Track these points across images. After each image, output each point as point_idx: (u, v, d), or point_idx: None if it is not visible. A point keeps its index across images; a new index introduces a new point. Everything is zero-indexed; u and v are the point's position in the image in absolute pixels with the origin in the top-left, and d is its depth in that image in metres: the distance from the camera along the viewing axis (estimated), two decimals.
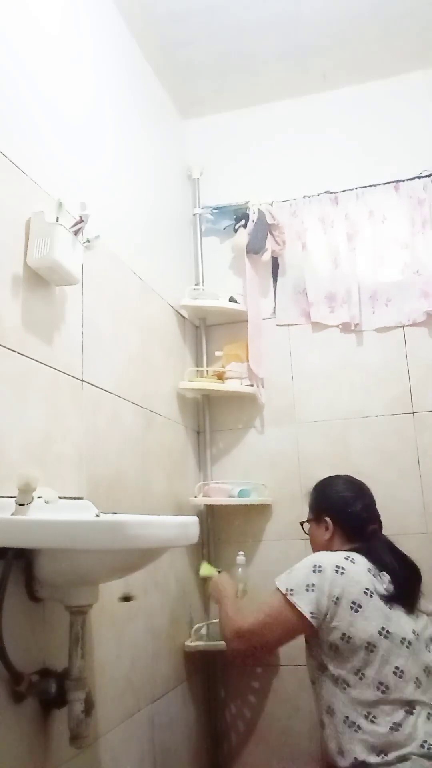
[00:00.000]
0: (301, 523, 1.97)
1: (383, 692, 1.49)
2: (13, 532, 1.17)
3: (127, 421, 1.94)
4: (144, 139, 2.40)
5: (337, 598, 1.56)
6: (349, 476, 1.93)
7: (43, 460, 1.47)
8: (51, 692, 1.30)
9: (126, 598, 1.68)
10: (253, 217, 2.61)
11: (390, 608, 1.58)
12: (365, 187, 2.55)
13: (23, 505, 1.22)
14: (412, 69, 2.62)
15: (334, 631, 1.54)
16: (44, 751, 1.34)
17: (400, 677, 1.50)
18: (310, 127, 2.72)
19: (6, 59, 1.51)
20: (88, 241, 1.66)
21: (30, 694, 1.27)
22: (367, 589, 1.57)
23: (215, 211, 2.73)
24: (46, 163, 1.63)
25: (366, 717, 1.48)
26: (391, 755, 1.42)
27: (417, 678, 1.52)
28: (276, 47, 2.50)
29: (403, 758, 1.42)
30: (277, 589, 1.63)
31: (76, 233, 1.56)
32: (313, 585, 1.58)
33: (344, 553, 1.67)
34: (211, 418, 2.58)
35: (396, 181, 2.52)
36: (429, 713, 1.49)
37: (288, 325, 2.59)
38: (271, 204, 2.63)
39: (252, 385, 2.50)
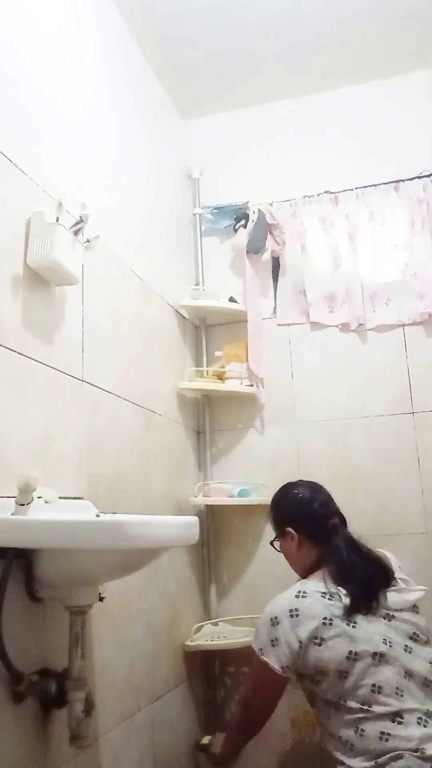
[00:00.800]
0: (271, 543, 1.92)
1: (366, 711, 1.48)
2: (13, 532, 1.17)
3: (127, 421, 1.94)
4: (144, 139, 2.40)
5: (300, 642, 1.55)
6: (300, 480, 1.94)
7: (43, 460, 1.47)
8: (51, 692, 1.30)
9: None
10: (253, 217, 2.61)
11: (353, 626, 1.55)
12: (365, 187, 2.55)
13: (23, 505, 1.22)
14: (411, 69, 2.62)
15: (307, 668, 1.55)
16: (44, 751, 1.34)
17: (379, 693, 1.49)
18: (310, 127, 2.72)
19: (6, 59, 1.51)
20: (88, 241, 1.66)
21: (30, 694, 1.27)
22: (324, 618, 1.56)
23: (215, 211, 2.73)
24: (46, 163, 1.63)
25: (356, 732, 1.48)
26: (384, 758, 1.43)
27: (397, 688, 1.50)
28: (276, 47, 2.50)
29: (396, 757, 1.42)
30: (255, 650, 1.63)
31: (76, 233, 1.56)
32: (276, 639, 1.58)
33: (295, 589, 1.64)
34: (211, 418, 2.58)
35: (396, 181, 2.52)
36: (419, 717, 1.47)
37: (288, 324, 2.59)
38: (271, 204, 2.63)
39: (252, 385, 2.50)
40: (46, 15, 1.73)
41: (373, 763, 1.43)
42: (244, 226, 2.64)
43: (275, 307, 2.63)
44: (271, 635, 1.59)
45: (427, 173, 2.49)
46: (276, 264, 2.64)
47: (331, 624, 1.55)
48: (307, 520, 1.80)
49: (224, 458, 2.56)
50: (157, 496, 2.11)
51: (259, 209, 2.61)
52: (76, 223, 1.56)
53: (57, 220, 1.49)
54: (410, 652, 1.56)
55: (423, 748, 1.42)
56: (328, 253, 2.55)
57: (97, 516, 1.50)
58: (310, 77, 2.66)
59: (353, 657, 1.51)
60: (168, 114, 2.73)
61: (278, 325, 2.60)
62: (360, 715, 1.49)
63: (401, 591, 1.67)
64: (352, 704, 1.50)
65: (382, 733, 1.45)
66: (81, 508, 1.51)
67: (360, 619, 1.57)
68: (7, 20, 1.53)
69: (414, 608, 1.67)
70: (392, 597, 1.64)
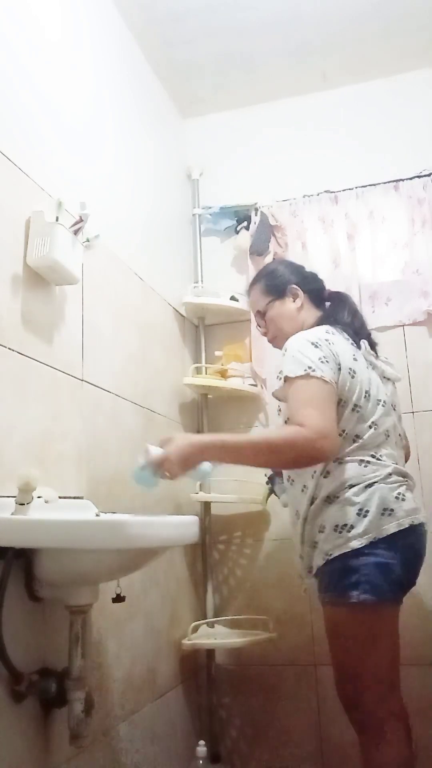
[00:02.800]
0: (258, 324, 1.89)
1: (355, 442, 1.57)
2: (13, 532, 1.17)
3: (127, 421, 1.94)
4: (144, 139, 2.40)
5: (339, 365, 1.57)
6: (280, 259, 2.02)
7: (43, 459, 1.47)
8: (51, 692, 1.31)
9: None
10: (254, 218, 2.61)
11: (369, 368, 1.66)
12: (365, 186, 2.55)
13: (23, 504, 1.22)
14: (411, 68, 2.62)
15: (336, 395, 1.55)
16: (44, 750, 1.34)
17: (375, 430, 1.59)
18: (310, 127, 2.72)
19: (6, 59, 1.51)
20: (87, 240, 1.67)
21: (30, 694, 1.28)
22: (353, 355, 1.63)
23: (216, 211, 2.73)
24: (46, 163, 1.63)
25: (335, 462, 1.56)
26: (360, 485, 1.53)
27: (386, 431, 1.62)
28: (276, 46, 2.50)
29: (370, 484, 1.53)
30: (295, 378, 1.52)
31: (75, 233, 1.56)
32: (325, 357, 1.55)
33: (322, 328, 1.65)
34: (209, 418, 2.57)
35: (396, 181, 2.52)
36: (395, 461, 1.61)
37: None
38: (271, 204, 2.63)
39: (255, 385, 2.50)
40: (46, 15, 1.73)
41: (347, 487, 1.54)
42: (246, 228, 2.64)
43: None
44: (318, 354, 1.54)
45: (427, 172, 2.49)
46: None
47: (356, 360, 1.63)
48: (309, 281, 1.82)
49: None
50: (157, 496, 2.11)
51: (261, 211, 2.61)
52: (76, 223, 1.56)
53: (57, 219, 1.49)
54: (394, 410, 1.71)
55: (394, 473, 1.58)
56: (328, 252, 2.55)
57: (97, 516, 1.50)
58: (310, 76, 2.66)
59: (366, 396, 1.61)
60: (168, 113, 2.73)
61: None
62: (351, 448, 1.57)
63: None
64: (348, 435, 1.57)
65: (361, 460, 1.56)
66: (81, 507, 1.51)
67: (373, 361, 1.69)
68: (7, 20, 1.53)
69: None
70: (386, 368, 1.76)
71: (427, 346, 2.43)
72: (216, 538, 2.48)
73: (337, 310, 1.77)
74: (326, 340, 1.59)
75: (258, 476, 2.43)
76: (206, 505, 2.43)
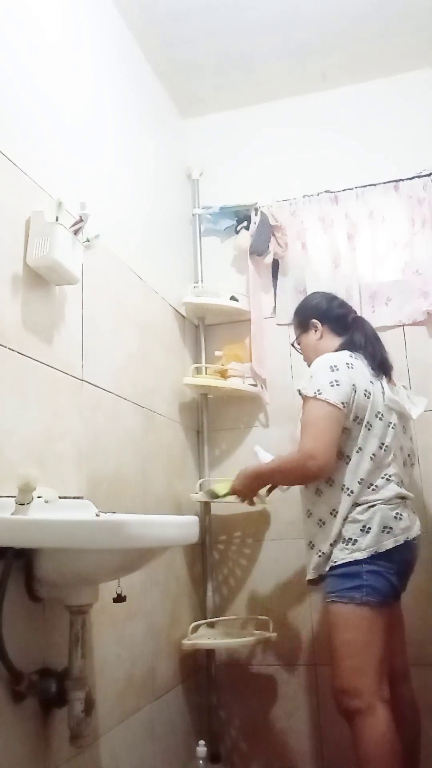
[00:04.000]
0: (292, 344, 2.16)
1: (372, 460, 1.78)
2: (13, 532, 1.17)
3: (127, 421, 1.95)
4: (144, 139, 2.40)
5: (355, 388, 1.80)
6: (315, 292, 2.23)
7: (43, 459, 1.47)
8: (51, 692, 1.30)
9: None
10: (255, 219, 2.61)
11: (383, 393, 1.86)
12: (365, 186, 2.55)
13: (23, 504, 1.22)
14: (411, 68, 2.62)
15: (350, 414, 1.79)
16: (44, 750, 1.34)
17: (384, 450, 1.81)
18: (310, 126, 2.72)
19: (6, 59, 1.51)
20: (87, 240, 1.67)
21: (30, 694, 1.28)
22: (371, 380, 1.85)
23: (217, 211, 2.73)
24: (46, 163, 1.63)
25: (359, 482, 1.77)
26: (365, 505, 1.76)
27: (394, 453, 1.83)
28: (276, 46, 2.50)
29: (371, 506, 1.75)
30: (306, 396, 1.81)
31: (75, 233, 1.56)
32: (337, 381, 1.78)
33: (346, 353, 1.90)
34: (209, 417, 2.57)
35: (396, 181, 2.52)
36: (400, 481, 1.83)
37: (288, 324, 2.58)
38: (271, 204, 2.63)
39: (256, 385, 2.50)
40: (46, 15, 1.73)
41: (353, 508, 1.75)
42: (247, 228, 2.64)
43: (275, 307, 2.63)
44: (330, 378, 1.79)
45: (427, 172, 2.49)
46: (276, 264, 2.64)
47: (374, 383, 1.85)
48: (330, 314, 2.05)
49: (224, 458, 2.56)
50: (157, 496, 2.11)
51: (261, 211, 2.61)
52: (76, 223, 1.56)
53: (57, 219, 1.49)
54: (404, 434, 1.92)
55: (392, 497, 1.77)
56: (328, 252, 2.55)
57: (97, 515, 1.50)
58: (309, 76, 2.66)
59: (379, 417, 1.82)
60: (168, 113, 2.73)
61: (278, 324, 2.59)
62: (369, 466, 1.78)
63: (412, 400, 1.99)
64: (366, 453, 1.78)
65: (371, 484, 1.78)
66: (81, 507, 1.51)
67: (385, 387, 1.88)
68: (7, 20, 1.53)
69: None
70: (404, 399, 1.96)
71: (427, 346, 2.43)
72: (216, 538, 2.48)
73: (354, 337, 1.97)
74: (347, 363, 1.84)
75: None
76: (206, 505, 2.43)
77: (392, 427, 1.84)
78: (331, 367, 1.81)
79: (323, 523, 1.81)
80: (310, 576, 1.85)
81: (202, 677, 2.33)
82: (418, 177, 2.49)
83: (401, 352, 2.43)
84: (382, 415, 1.83)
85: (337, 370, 1.80)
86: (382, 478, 1.79)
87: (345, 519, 1.77)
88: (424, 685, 2.03)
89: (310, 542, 1.85)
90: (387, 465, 1.81)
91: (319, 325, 2.03)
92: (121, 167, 2.15)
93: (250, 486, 1.95)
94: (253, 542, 2.47)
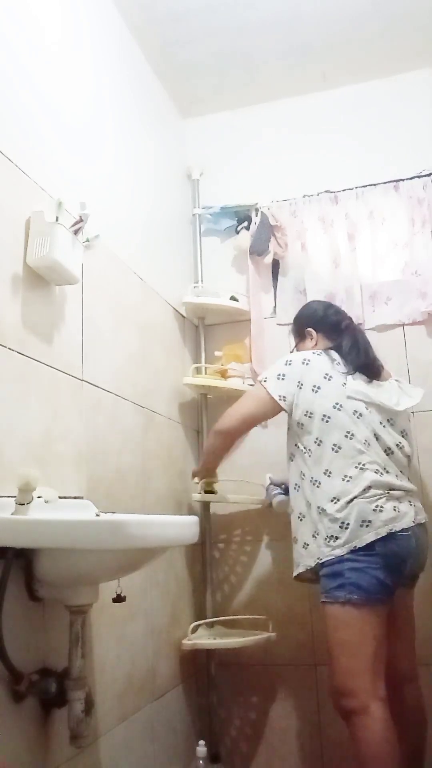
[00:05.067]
0: (292, 352, 2.19)
1: (336, 452, 1.81)
2: (13, 532, 1.17)
3: (127, 421, 1.95)
4: (144, 139, 2.40)
5: (301, 384, 1.90)
6: (314, 300, 2.33)
7: (43, 459, 1.47)
8: (51, 692, 1.31)
9: None
10: (255, 219, 2.61)
11: (344, 385, 1.88)
12: (365, 186, 2.55)
13: (23, 504, 1.22)
14: (411, 68, 2.62)
15: (298, 409, 1.89)
16: (44, 750, 1.34)
17: (351, 438, 1.82)
18: (310, 127, 2.72)
19: (6, 59, 1.51)
20: (87, 240, 1.67)
21: (30, 694, 1.28)
22: (326, 374, 1.90)
23: (217, 211, 2.73)
24: (46, 163, 1.63)
25: (325, 473, 1.81)
26: (342, 501, 1.76)
27: (366, 440, 1.83)
28: (276, 47, 2.50)
29: (351, 498, 1.75)
30: (258, 380, 2.00)
31: (75, 233, 1.56)
32: (284, 375, 1.93)
33: (310, 351, 2.01)
34: (209, 418, 2.57)
35: (396, 181, 2.52)
36: (377, 469, 1.80)
37: (288, 324, 2.58)
38: (271, 204, 2.63)
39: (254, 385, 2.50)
40: (46, 15, 1.73)
41: (333, 503, 1.76)
42: (247, 228, 2.64)
43: (275, 307, 2.63)
44: (279, 371, 1.94)
45: (427, 172, 2.49)
46: (276, 264, 2.64)
47: (330, 379, 1.90)
48: (324, 322, 2.11)
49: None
50: (157, 496, 2.12)
51: (261, 211, 2.61)
52: (76, 223, 1.56)
53: (57, 219, 1.49)
54: (383, 426, 1.88)
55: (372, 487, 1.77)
56: (328, 252, 2.55)
57: (97, 515, 1.50)
58: (309, 76, 2.66)
59: (338, 407, 1.85)
60: (168, 113, 2.73)
61: (278, 324, 2.59)
62: (330, 457, 1.81)
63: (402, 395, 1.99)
64: (327, 445, 1.82)
65: (345, 475, 1.78)
66: (81, 507, 1.51)
67: (351, 381, 1.90)
68: (6, 20, 1.53)
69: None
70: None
71: (426, 345, 2.43)
72: (216, 538, 2.48)
73: (342, 342, 2.02)
74: (303, 360, 1.94)
75: (257, 477, 2.44)
76: (206, 505, 2.42)
77: (358, 416, 1.85)
78: (286, 361, 1.96)
79: (303, 516, 1.86)
80: (297, 571, 1.87)
81: (202, 677, 2.33)
82: (418, 177, 2.49)
83: (401, 351, 2.43)
84: (341, 406, 1.85)
85: (290, 365, 1.94)
86: (356, 467, 1.79)
87: (324, 512, 1.78)
88: (423, 684, 2.02)
89: (294, 537, 1.90)
90: (358, 453, 1.81)
91: (314, 333, 2.10)
92: (121, 167, 2.15)
93: (202, 465, 2.20)
94: (253, 542, 2.47)
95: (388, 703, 1.68)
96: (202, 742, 2.06)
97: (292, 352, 2.19)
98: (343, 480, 1.78)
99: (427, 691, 2.04)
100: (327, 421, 1.84)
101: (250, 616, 2.35)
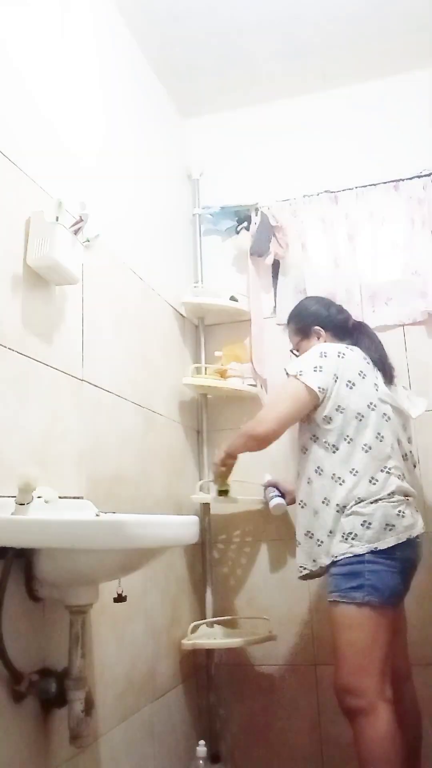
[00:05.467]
0: (291, 351, 2.18)
1: (366, 451, 1.80)
2: (13, 532, 1.17)
3: (127, 421, 1.95)
4: (144, 139, 2.40)
5: (336, 377, 1.85)
6: (308, 297, 2.27)
7: (43, 459, 1.47)
8: (51, 692, 1.31)
9: None
10: (255, 219, 2.61)
11: (376, 386, 1.88)
12: (365, 186, 2.54)
13: (23, 504, 1.22)
14: (411, 68, 2.61)
15: (329, 402, 1.84)
16: (44, 750, 1.34)
17: (381, 441, 1.82)
18: (310, 126, 2.72)
19: (6, 59, 1.51)
20: (87, 240, 1.66)
21: (30, 694, 1.28)
22: (360, 371, 1.88)
23: (218, 211, 2.73)
24: (46, 163, 1.63)
25: (351, 472, 1.79)
26: (366, 501, 1.76)
27: (392, 445, 1.84)
28: (276, 47, 2.50)
29: (376, 499, 1.76)
30: (288, 374, 1.90)
31: (75, 233, 1.56)
32: (321, 367, 1.86)
33: (343, 345, 1.96)
34: (209, 417, 2.57)
35: (396, 181, 2.52)
36: (400, 474, 1.82)
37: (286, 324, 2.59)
38: (271, 204, 2.63)
39: (255, 385, 2.50)
40: (46, 15, 1.73)
41: (355, 502, 1.76)
42: (247, 229, 2.64)
43: (275, 307, 2.63)
44: (315, 363, 1.88)
45: (427, 172, 2.48)
46: (276, 264, 2.64)
47: (364, 378, 1.88)
48: (332, 321, 2.08)
49: None
50: (157, 496, 2.12)
51: (261, 212, 2.61)
52: (76, 223, 1.56)
53: (57, 219, 1.49)
54: (403, 431, 1.93)
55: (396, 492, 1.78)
56: (328, 252, 2.55)
57: (97, 516, 1.50)
58: (309, 76, 2.66)
59: (372, 407, 1.84)
60: (168, 113, 2.73)
61: (278, 324, 2.59)
62: (361, 456, 1.79)
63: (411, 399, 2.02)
64: (357, 443, 1.80)
65: (372, 477, 1.78)
66: (81, 507, 1.51)
67: (381, 383, 1.90)
68: (6, 21, 1.53)
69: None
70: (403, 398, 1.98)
71: (427, 346, 2.43)
72: (216, 538, 2.48)
73: (360, 341, 2.01)
74: (339, 352, 1.89)
75: (257, 477, 2.44)
76: (206, 505, 2.43)
77: (387, 420, 1.85)
78: (321, 353, 1.89)
79: (317, 513, 1.83)
80: (304, 569, 1.86)
81: (202, 677, 2.33)
82: (418, 177, 2.49)
83: (401, 352, 2.43)
84: (375, 406, 1.84)
85: (326, 356, 1.88)
86: (382, 471, 1.79)
87: (342, 510, 1.77)
88: (424, 684, 2.03)
89: (307, 532, 1.85)
90: (386, 457, 1.81)
91: (322, 332, 2.06)
92: (121, 167, 2.15)
93: (223, 458, 2.09)
94: (253, 542, 2.47)
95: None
96: (202, 742, 2.06)
97: (291, 351, 2.17)
98: (370, 482, 1.78)
99: (427, 691, 2.05)
100: (361, 420, 1.82)
101: (251, 617, 2.35)
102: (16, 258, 1.45)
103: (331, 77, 2.67)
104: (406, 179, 2.50)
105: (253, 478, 2.46)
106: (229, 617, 2.36)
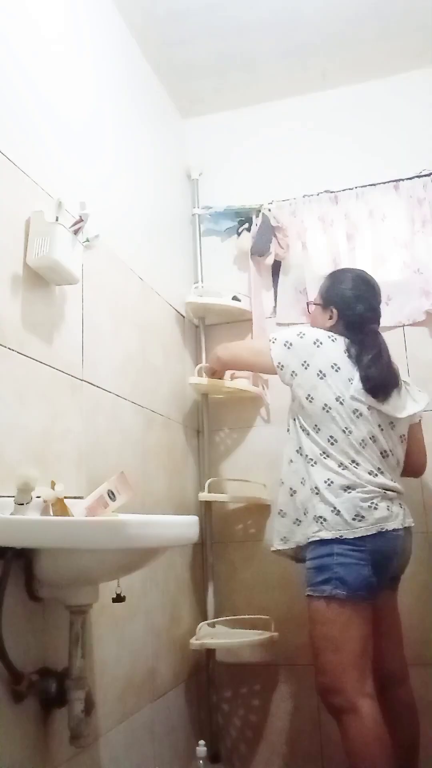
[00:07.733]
0: (308, 303, 2.18)
1: (332, 444, 1.80)
2: (13, 532, 1.17)
3: (127, 421, 1.95)
4: (144, 139, 2.40)
5: (306, 364, 1.85)
6: (361, 272, 2.09)
7: (43, 459, 1.47)
8: (51, 692, 1.31)
9: None
10: (256, 220, 2.61)
11: (350, 382, 1.83)
12: (365, 186, 2.55)
13: (22, 504, 1.22)
14: (411, 68, 2.62)
15: (300, 389, 1.86)
16: (44, 750, 1.34)
17: (348, 435, 1.80)
18: (310, 126, 2.72)
19: (6, 59, 1.51)
20: (87, 240, 1.66)
21: (30, 694, 1.28)
22: (334, 363, 1.85)
23: (220, 211, 2.73)
24: (46, 163, 1.63)
25: (322, 455, 1.81)
26: (335, 485, 1.76)
27: (362, 440, 1.80)
28: (276, 46, 2.50)
29: (347, 488, 1.76)
30: (267, 339, 1.96)
31: (75, 233, 1.56)
32: (292, 344, 1.88)
33: (330, 333, 1.92)
34: (210, 417, 2.57)
35: (396, 180, 2.52)
36: (370, 470, 1.79)
37: (288, 324, 2.58)
38: (271, 203, 2.63)
39: (256, 386, 2.50)
40: (45, 15, 1.73)
41: (327, 484, 1.76)
42: (248, 230, 2.64)
43: (275, 307, 2.63)
44: (289, 339, 1.90)
45: (427, 172, 2.48)
46: (277, 263, 2.64)
47: (337, 371, 1.84)
48: (351, 315, 1.97)
49: (224, 458, 2.56)
50: (157, 496, 2.12)
51: (262, 212, 2.61)
52: (76, 223, 1.56)
53: (57, 219, 1.49)
54: (382, 429, 1.85)
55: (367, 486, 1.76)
56: (328, 252, 2.55)
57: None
58: (309, 76, 2.66)
59: (340, 401, 1.82)
60: (168, 113, 2.73)
61: (278, 324, 2.59)
62: (326, 445, 1.80)
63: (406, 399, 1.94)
64: (324, 434, 1.81)
65: (341, 464, 1.78)
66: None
67: (356, 381, 1.83)
68: (6, 21, 1.53)
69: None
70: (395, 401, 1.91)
71: (427, 346, 2.43)
72: (216, 538, 2.48)
73: (360, 346, 1.89)
74: (316, 339, 1.88)
75: (258, 476, 2.44)
76: (206, 505, 2.42)
77: (358, 416, 1.82)
78: (299, 333, 1.91)
79: (294, 492, 1.87)
80: (285, 546, 1.88)
81: (202, 677, 2.33)
82: (418, 177, 2.49)
83: (401, 352, 2.43)
84: (343, 400, 1.82)
85: (302, 338, 1.89)
86: (351, 463, 1.79)
87: (316, 491, 1.79)
88: (424, 684, 2.03)
89: (281, 510, 1.90)
90: (355, 451, 1.80)
91: (336, 315, 1.99)
92: (121, 167, 2.15)
93: (209, 375, 2.30)
94: (253, 542, 2.47)
95: (381, 704, 1.66)
96: (202, 742, 2.06)
97: (307, 303, 2.19)
98: (339, 467, 1.78)
99: (428, 690, 2.05)
100: (327, 411, 1.82)
101: (253, 616, 2.35)
102: (16, 258, 1.45)
103: (331, 77, 2.67)
104: (406, 179, 2.50)
105: (253, 477, 2.46)
106: (232, 617, 2.36)
